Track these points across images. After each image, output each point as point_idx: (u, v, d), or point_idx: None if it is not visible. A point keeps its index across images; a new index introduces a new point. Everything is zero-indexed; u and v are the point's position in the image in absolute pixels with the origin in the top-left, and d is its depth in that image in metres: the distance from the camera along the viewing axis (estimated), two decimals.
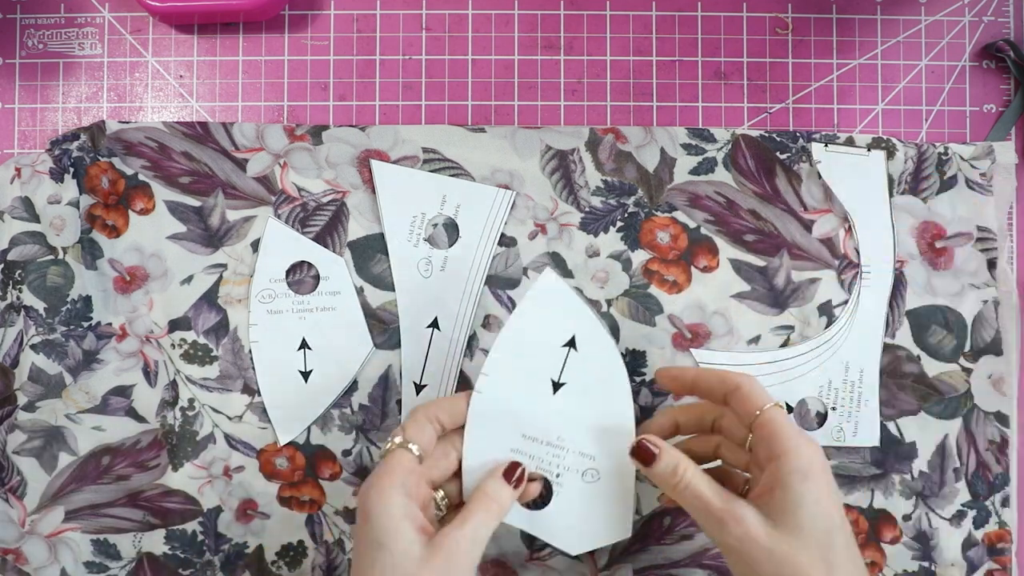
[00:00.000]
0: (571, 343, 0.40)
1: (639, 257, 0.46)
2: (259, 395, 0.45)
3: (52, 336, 0.44)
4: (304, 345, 0.45)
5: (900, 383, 0.46)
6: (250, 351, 0.45)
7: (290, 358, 0.45)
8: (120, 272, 0.45)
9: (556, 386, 0.40)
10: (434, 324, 0.45)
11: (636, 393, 0.46)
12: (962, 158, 0.46)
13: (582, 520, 0.41)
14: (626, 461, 0.39)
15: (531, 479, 0.40)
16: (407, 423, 0.39)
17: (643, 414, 0.45)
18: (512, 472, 0.39)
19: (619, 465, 0.40)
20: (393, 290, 0.45)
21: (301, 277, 0.45)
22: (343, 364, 0.45)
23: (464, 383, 0.45)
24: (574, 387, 0.40)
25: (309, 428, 0.45)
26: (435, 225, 0.46)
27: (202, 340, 0.45)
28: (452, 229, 0.46)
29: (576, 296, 0.41)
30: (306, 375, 0.45)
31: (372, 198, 0.46)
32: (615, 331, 0.46)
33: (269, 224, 0.45)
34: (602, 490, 0.40)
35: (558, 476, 0.40)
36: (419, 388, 0.45)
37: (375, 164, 0.45)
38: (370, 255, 0.46)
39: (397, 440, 0.38)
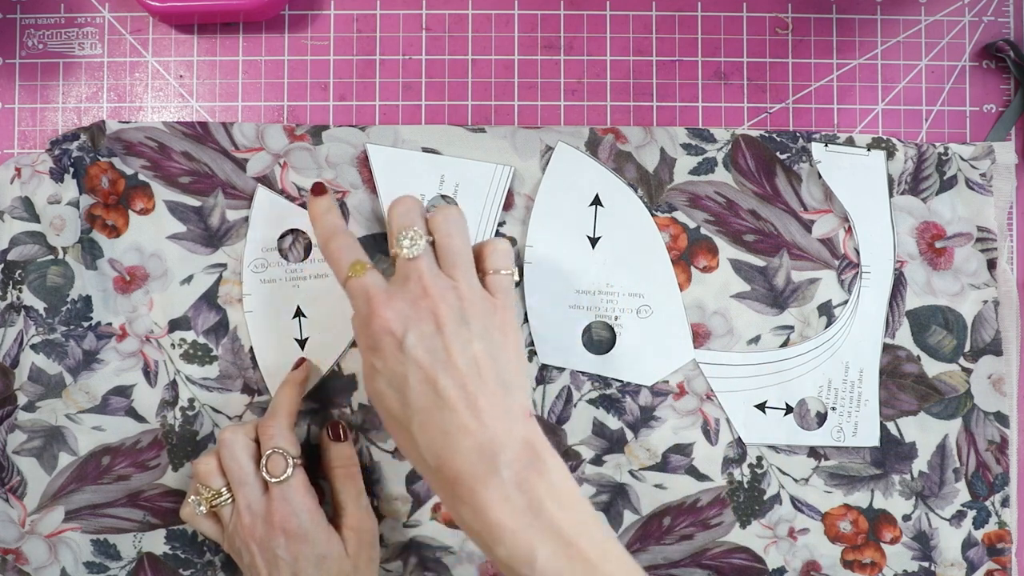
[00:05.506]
0: (596, 201, 0.45)
1: None
2: (259, 395, 0.45)
3: (52, 336, 0.44)
4: (299, 313, 0.45)
5: (900, 383, 0.46)
6: (250, 350, 0.45)
7: (285, 327, 0.45)
8: (120, 272, 0.45)
9: (593, 241, 0.45)
10: None
11: (635, 394, 0.46)
12: (962, 158, 0.46)
13: (647, 352, 0.45)
14: (670, 288, 0.45)
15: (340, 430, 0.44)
16: (275, 441, 0.41)
17: (642, 414, 0.46)
18: (336, 430, 0.44)
19: (665, 294, 0.45)
20: None
21: (293, 245, 0.45)
22: (339, 331, 0.45)
23: None
24: (609, 238, 0.45)
25: (309, 428, 0.45)
26: (435, 207, 0.46)
27: (202, 340, 0.45)
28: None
29: (589, 158, 0.44)
30: (302, 343, 0.45)
31: (372, 198, 0.46)
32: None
33: (258, 193, 0.45)
34: (657, 321, 0.45)
35: (617, 319, 0.45)
36: None
37: (371, 148, 0.45)
38: (370, 255, 0.45)
39: (289, 472, 0.41)
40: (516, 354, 0.37)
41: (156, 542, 0.45)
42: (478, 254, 0.39)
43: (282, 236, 0.45)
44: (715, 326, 0.46)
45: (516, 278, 0.39)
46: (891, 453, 0.46)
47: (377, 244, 0.46)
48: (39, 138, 0.47)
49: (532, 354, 0.46)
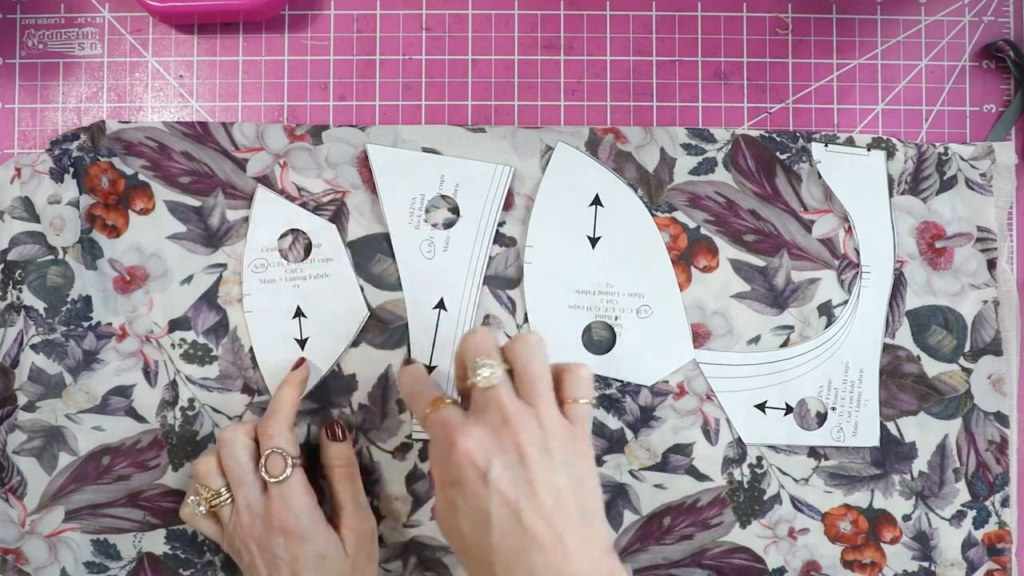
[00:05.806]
0: (596, 201, 0.45)
1: None
2: (259, 395, 0.45)
3: (52, 336, 0.44)
4: (299, 313, 0.45)
5: (900, 383, 0.46)
6: (250, 350, 0.45)
7: (285, 327, 0.45)
8: (120, 272, 0.45)
9: (593, 241, 0.45)
10: (440, 305, 0.45)
11: (636, 394, 0.46)
12: (962, 158, 0.46)
13: (647, 352, 0.45)
14: (670, 288, 0.45)
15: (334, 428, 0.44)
16: (274, 440, 0.41)
17: (642, 414, 0.46)
18: (334, 430, 0.44)
19: (665, 295, 0.45)
20: (393, 290, 0.45)
21: (293, 245, 0.45)
22: (339, 331, 0.45)
23: None
24: (609, 238, 0.45)
25: (309, 427, 0.45)
26: (435, 207, 0.46)
27: (202, 340, 0.45)
28: (452, 209, 0.46)
29: (589, 158, 0.44)
30: (302, 343, 0.45)
31: (372, 198, 0.46)
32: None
33: (258, 193, 0.45)
34: (657, 321, 0.45)
35: (617, 319, 0.45)
36: (429, 369, 0.45)
37: (371, 148, 0.45)
38: (370, 255, 0.46)
39: (288, 471, 0.41)
40: (594, 485, 0.36)
41: (156, 542, 0.45)
42: (558, 380, 0.37)
43: (282, 236, 0.45)
44: (715, 326, 0.46)
45: (594, 404, 0.38)
46: (891, 453, 0.46)
47: (377, 244, 0.46)
48: (39, 138, 0.47)
49: None
